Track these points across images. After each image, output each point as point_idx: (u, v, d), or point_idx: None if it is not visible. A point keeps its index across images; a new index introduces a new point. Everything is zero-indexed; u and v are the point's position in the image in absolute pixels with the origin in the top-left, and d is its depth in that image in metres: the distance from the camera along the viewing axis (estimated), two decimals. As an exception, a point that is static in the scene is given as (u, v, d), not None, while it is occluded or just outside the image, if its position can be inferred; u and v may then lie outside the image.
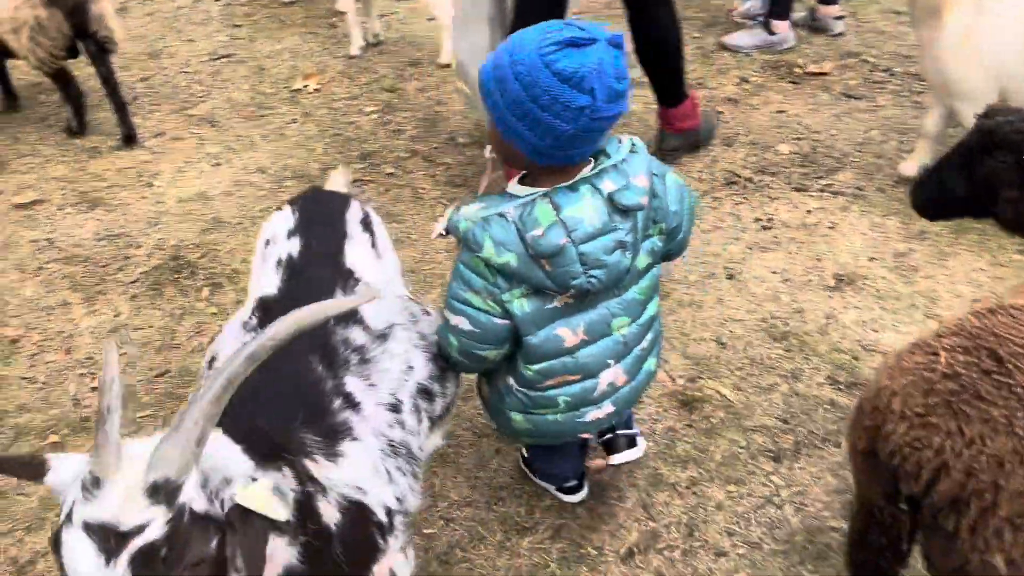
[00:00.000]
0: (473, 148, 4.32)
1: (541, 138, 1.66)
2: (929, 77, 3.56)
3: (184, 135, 4.63)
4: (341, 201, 2.07)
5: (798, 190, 3.82)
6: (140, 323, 3.25)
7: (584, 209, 1.71)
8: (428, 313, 2.03)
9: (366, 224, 2.05)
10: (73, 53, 4.38)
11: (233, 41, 5.78)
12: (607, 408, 2.01)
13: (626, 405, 2.07)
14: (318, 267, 1.86)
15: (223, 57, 5.55)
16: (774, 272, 3.35)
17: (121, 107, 4.49)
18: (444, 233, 1.84)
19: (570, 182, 1.74)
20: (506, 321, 1.82)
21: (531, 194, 1.74)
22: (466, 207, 1.77)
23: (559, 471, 2.35)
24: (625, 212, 1.75)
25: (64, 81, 4.44)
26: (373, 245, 2.03)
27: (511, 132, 1.69)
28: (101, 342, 3.15)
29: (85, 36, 4.33)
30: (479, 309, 1.81)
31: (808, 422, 2.69)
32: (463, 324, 1.84)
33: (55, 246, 3.71)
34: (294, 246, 1.90)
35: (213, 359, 1.74)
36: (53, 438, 2.75)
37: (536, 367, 1.89)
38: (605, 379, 1.95)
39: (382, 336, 1.78)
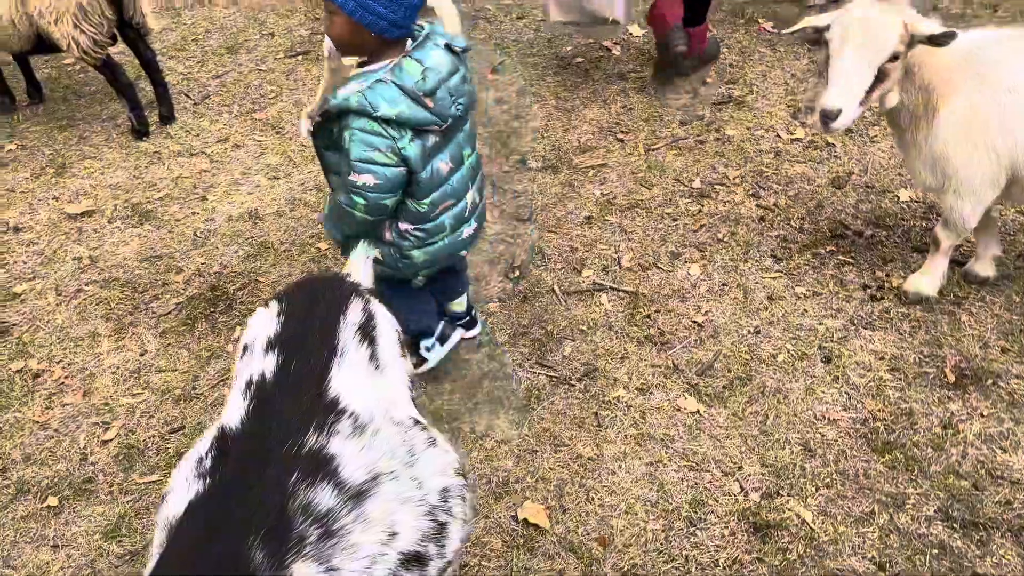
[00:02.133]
0: (545, 174, 3.91)
1: (396, 11, 2.15)
2: (922, 180, 2.82)
3: (246, 142, 4.40)
4: (338, 299, 1.71)
5: (919, 251, 3.24)
6: (164, 364, 3.01)
7: (437, 57, 2.25)
8: (434, 443, 1.66)
9: (365, 331, 1.69)
10: (113, 40, 4.25)
11: (314, 36, 5.52)
12: (474, 225, 2.60)
13: (481, 221, 2.65)
14: (292, 396, 1.51)
15: (300, 54, 5.30)
16: (881, 358, 2.82)
17: (162, 87, 4.51)
18: (311, 132, 2.32)
19: (415, 45, 2.26)
20: (403, 168, 2.28)
21: (386, 64, 2.22)
22: (342, 89, 2.21)
23: (430, 321, 2.83)
24: (459, 55, 2.34)
25: (112, 71, 4.28)
26: (372, 357, 1.67)
27: (370, 14, 2.14)
28: (118, 387, 2.93)
29: (124, 22, 4.19)
30: (383, 164, 2.24)
31: (910, 570, 2.19)
32: (371, 180, 2.25)
33: (97, 266, 3.54)
34: (270, 364, 1.56)
35: (167, 523, 1.40)
36: (52, 500, 2.54)
37: (428, 200, 2.39)
38: (469, 200, 2.53)
39: (359, 495, 1.43)
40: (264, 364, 1.57)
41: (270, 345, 1.60)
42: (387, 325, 1.78)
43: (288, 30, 5.64)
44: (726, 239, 3.42)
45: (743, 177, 3.77)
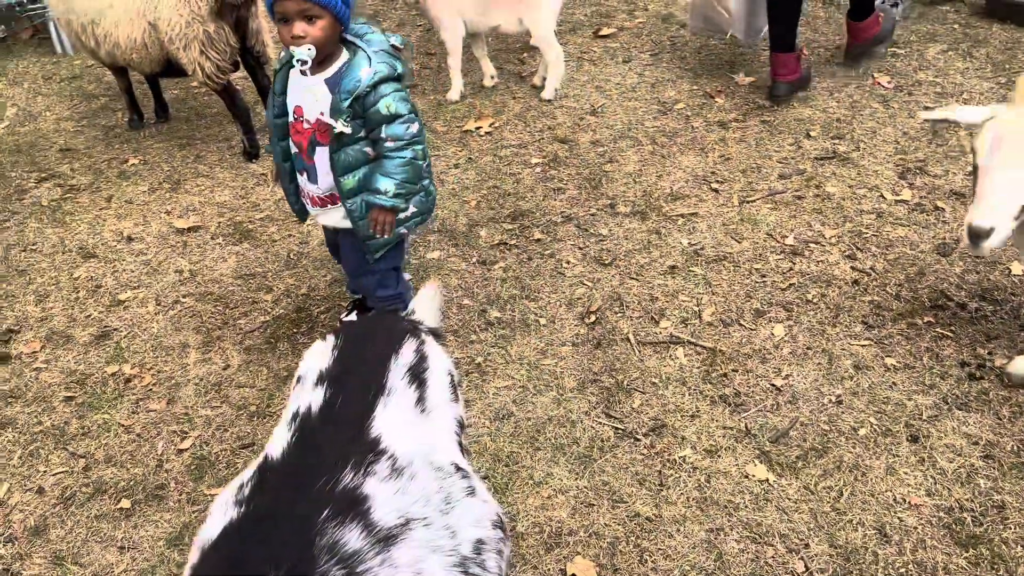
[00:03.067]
0: (633, 219, 3.87)
1: (350, 5, 2.52)
2: None
3: (347, 170, 4.55)
4: (392, 339, 1.73)
5: (1028, 330, 3.02)
6: (245, 380, 3.13)
7: (384, 37, 2.67)
8: (473, 492, 1.65)
9: (416, 374, 1.70)
10: (235, 67, 4.48)
11: (423, 71, 5.69)
12: None
13: None
14: (335, 433, 1.53)
15: (408, 87, 5.46)
16: (974, 443, 2.62)
17: None
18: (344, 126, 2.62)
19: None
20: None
21: (342, 56, 2.63)
22: (355, 72, 2.58)
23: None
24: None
25: (231, 95, 4.52)
26: (420, 400, 1.68)
27: (348, 8, 2.51)
28: (200, 398, 3.06)
29: (245, 50, 4.42)
30: (415, 112, 2.69)
31: None
32: (416, 128, 2.66)
33: (196, 279, 3.72)
34: (317, 398, 1.59)
35: (202, 546, 1.44)
36: (125, 503, 2.67)
37: (424, 144, 2.75)
38: None
39: (388, 538, 1.43)
40: (312, 397, 1.60)
41: (320, 379, 1.63)
42: (440, 367, 1.79)
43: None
44: (815, 300, 3.28)
45: (840, 237, 3.62)
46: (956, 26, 5.43)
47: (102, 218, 4.26)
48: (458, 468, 1.70)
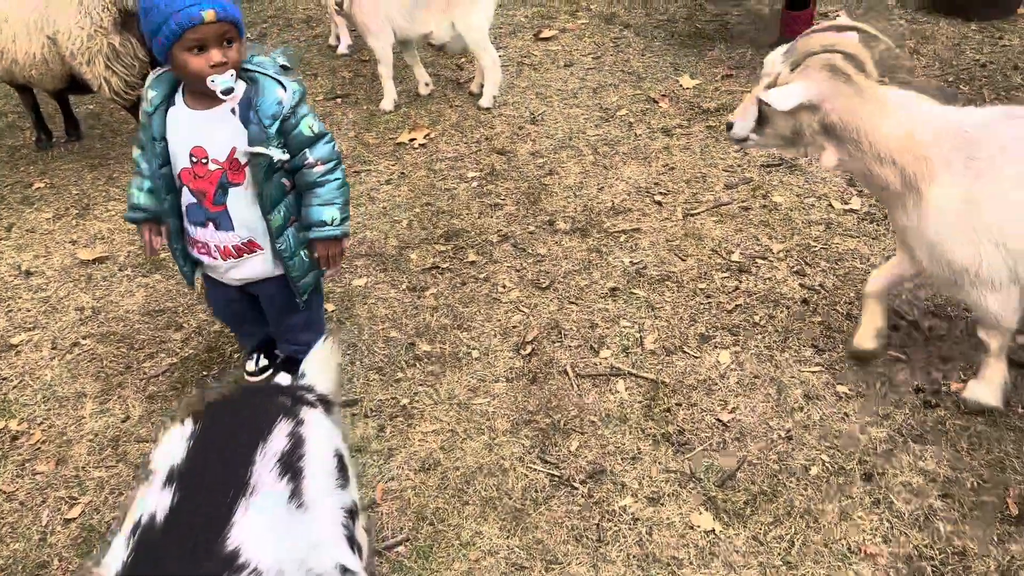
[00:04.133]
0: (573, 237, 3.65)
1: None
2: (929, 272, 2.47)
3: (271, 189, 4.26)
4: (260, 424, 1.47)
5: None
6: (145, 433, 2.84)
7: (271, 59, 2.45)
8: (360, 598, 1.40)
9: (288, 464, 1.45)
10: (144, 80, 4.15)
11: (355, 79, 5.41)
12: None
13: None
14: (181, 548, 1.27)
15: (340, 97, 5.18)
16: (932, 480, 2.44)
17: None
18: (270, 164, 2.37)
19: None
20: None
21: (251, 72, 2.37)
22: (272, 95, 2.33)
23: None
24: None
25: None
26: (294, 495, 1.43)
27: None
28: (93, 456, 2.76)
29: (155, 63, 4.09)
30: None
31: None
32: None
33: (99, 317, 3.42)
34: (164, 503, 1.33)
35: None
36: (1, 585, 2.37)
37: None
38: None
39: None
40: (158, 502, 1.34)
41: (170, 478, 1.37)
42: (322, 450, 1.54)
43: (332, 71, 5.55)
44: (763, 323, 3.08)
45: (787, 251, 3.43)
46: (903, 22, 5.30)
47: None
48: (345, 571, 1.45)
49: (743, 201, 3.79)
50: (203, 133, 2.35)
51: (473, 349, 3.10)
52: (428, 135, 4.63)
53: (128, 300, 3.51)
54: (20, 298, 3.57)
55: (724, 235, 3.58)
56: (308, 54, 5.84)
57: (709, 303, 3.21)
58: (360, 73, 5.48)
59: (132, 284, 3.61)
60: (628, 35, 5.58)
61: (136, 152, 2.51)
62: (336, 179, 2.46)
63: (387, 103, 4.94)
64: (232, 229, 2.45)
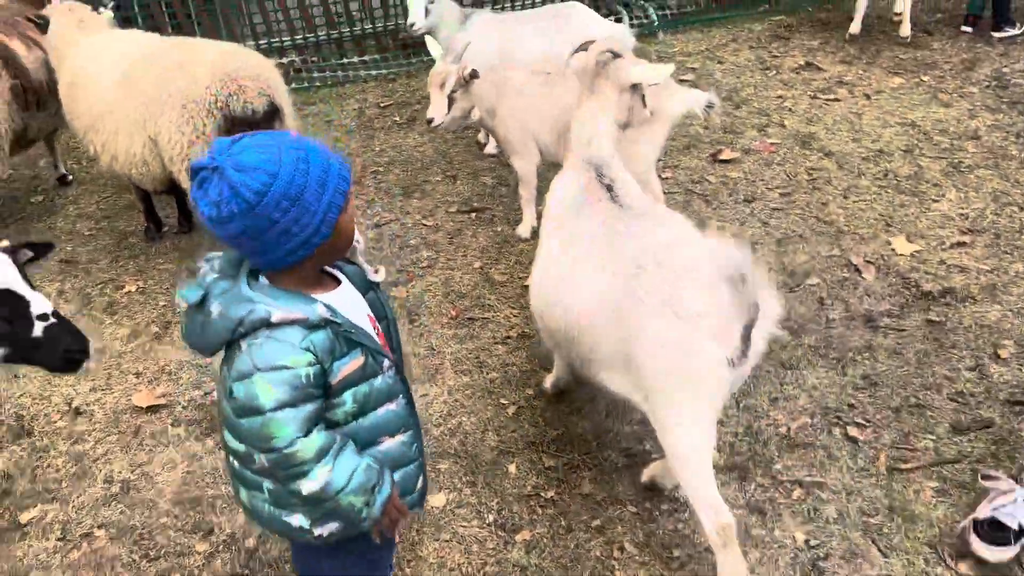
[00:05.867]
0: (729, 478, 2.69)
1: None
2: None
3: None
4: None
5: None
6: None
7: None
8: None
9: None
10: None
11: (496, 189, 4.72)
12: None
13: None
14: None
15: (473, 211, 4.50)
16: None
17: None
18: None
19: None
20: None
21: None
22: None
23: None
24: None
25: None
26: None
27: None
28: None
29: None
30: None
31: None
32: None
33: (127, 497, 2.84)
34: None
35: None
36: None
37: None
38: None
39: None
40: None
41: None
42: None
43: (474, 175, 4.89)
44: None
45: (1052, 577, 2.31)
46: None
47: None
48: None
49: (977, 457, 2.70)
50: (352, 299, 1.79)
51: None
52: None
53: (166, 475, 2.90)
54: (55, 449, 3.06)
55: (950, 520, 2.50)
56: (454, 150, 5.22)
57: (921, 650, 2.16)
58: (504, 181, 4.78)
59: (178, 450, 3.01)
60: (829, 167, 4.56)
61: None
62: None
63: (524, 229, 4.20)
64: None
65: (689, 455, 2.15)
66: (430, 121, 3.83)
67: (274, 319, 1.55)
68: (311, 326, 1.58)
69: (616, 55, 2.73)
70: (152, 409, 3.21)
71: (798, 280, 3.66)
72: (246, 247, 1.58)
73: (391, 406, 1.73)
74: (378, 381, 1.70)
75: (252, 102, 3.40)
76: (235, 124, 3.41)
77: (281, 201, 1.52)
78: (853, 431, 2.86)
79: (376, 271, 1.89)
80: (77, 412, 3.23)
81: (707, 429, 2.15)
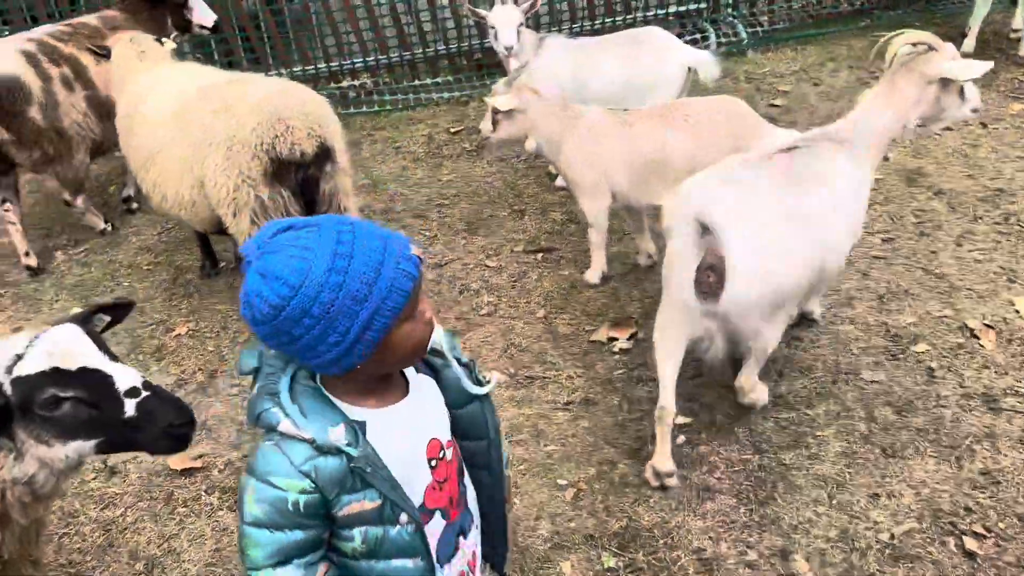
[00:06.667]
0: (817, 602, 2.29)
1: None
2: None
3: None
4: None
5: None
6: None
7: None
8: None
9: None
10: None
11: (566, 227, 4.41)
12: None
13: None
14: None
15: (540, 251, 4.19)
16: None
17: None
18: None
19: None
20: None
21: None
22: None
23: None
24: None
25: None
26: None
27: None
28: None
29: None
30: None
31: None
32: None
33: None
34: None
35: None
36: None
37: None
38: None
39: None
40: None
41: None
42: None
43: (543, 211, 4.59)
44: None
45: None
46: None
47: (102, 425, 3.32)
48: None
49: None
50: (424, 415, 1.52)
51: None
52: (634, 335, 3.48)
53: (193, 552, 2.70)
54: (85, 515, 2.90)
55: None
56: (523, 181, 4.93)
57: None
58: (574, 219, 4.46)
59: (210, 521, 2.81)
60: (940, 208, 4.07)
61: None
62: None
63: (593, 275, 3.87)
64: (473, 525, 1.61)
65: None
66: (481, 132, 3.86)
67: (280, 429, 1.34)
68: (320, 449, 1.33)
69: (931, 48, 2.74)
70: (187, 472, 3.02)
71: (903, 346, 3.21)
72: (281, 349, 1.37)
73: (407, 562, 1.44)
74: (394, 532, 1.41)
75: (300, 143, 3.18)
76: (282, 166, 3.21)
77: (302, 319, 1.28)
78: (970, 543, 2.42)
79: (486, 379, 1.57)
80: (112, 472, 3.07)
81: None
